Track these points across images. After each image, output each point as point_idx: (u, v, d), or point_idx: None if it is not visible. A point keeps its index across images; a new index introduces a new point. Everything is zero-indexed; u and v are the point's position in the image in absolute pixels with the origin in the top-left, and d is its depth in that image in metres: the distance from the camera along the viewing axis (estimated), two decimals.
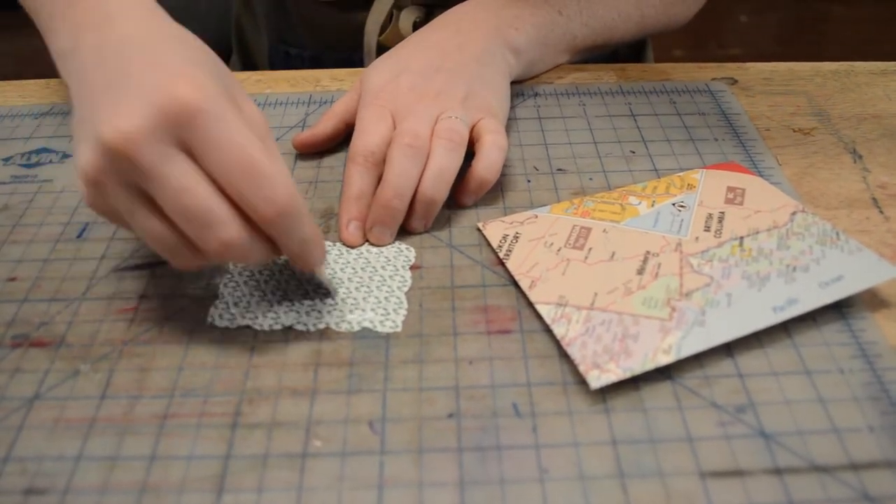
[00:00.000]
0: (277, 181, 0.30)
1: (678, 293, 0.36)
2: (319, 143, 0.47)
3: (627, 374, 0.32)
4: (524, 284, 0.37)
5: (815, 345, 0.34)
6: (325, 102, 0.52)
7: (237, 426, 0.32)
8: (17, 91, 0.55)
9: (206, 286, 0.38)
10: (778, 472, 0.30)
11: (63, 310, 0.37)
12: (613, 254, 0.38)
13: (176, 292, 0.38)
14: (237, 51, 0.74)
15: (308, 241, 0.33)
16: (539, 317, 0.36)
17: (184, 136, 0.30)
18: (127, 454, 0.31)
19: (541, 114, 0.51)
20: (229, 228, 0.31)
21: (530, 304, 0.36)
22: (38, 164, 0.48)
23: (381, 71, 0.47)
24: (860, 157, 0.47)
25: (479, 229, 0.41)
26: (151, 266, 0.40)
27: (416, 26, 0.59)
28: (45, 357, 0.35)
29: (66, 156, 0.48)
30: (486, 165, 0.42)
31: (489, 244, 0.40)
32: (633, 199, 0.42)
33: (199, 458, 0.31)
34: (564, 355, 0.34)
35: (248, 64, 0.73)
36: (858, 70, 0.55)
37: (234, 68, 0.73)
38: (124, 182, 0.30)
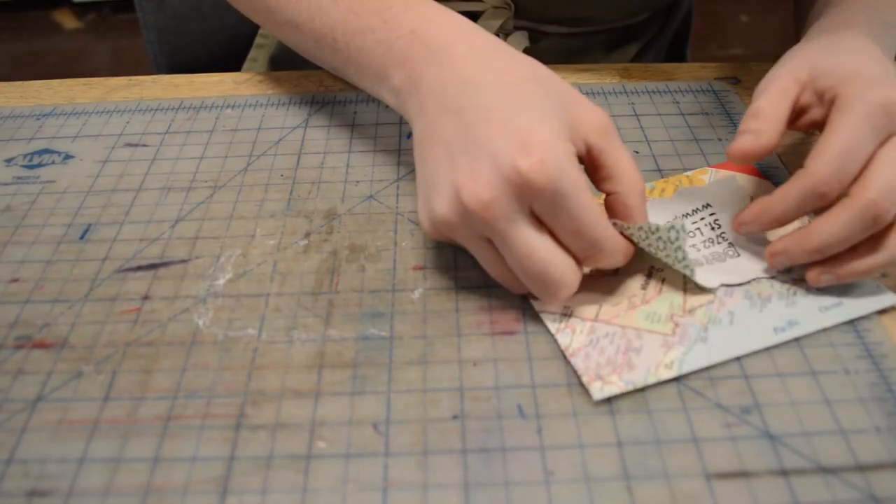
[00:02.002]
0: (613, 247, 0.34)
1: (681, 309, 0.36)
2: (761, 155, 0.38)
3: (630, 388, 0.32)
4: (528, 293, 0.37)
5: (820, 345, 0.34)
6: (328, 103, 0.52)
7: (241, 428, 0.32)
8: (19, 92, 0.55)
9: (209, 287, 0.38)
10: (784, 473, 0.30)
11: (66, 311, 0.37)
12: (618, 268, 0.38)
13: (179, 293, 0.38)
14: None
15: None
16: (543, 321, 0.36)
17: (532, 204, 0.33)
18: (130, 456, 0.31)
19: None
20: (563, 288, 0.34)
21: (533, 306, 0.36)
22: (40, 164, 0.48)
23: (853, 61, 0.38)
24: None
25: None
26: (154, 267, 0.40)
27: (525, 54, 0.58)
28: (48, 358, 0.35)
29: (68, 157, 0.48)
30: None
31: None
32: None
33: (203, 460, 0.31)
34: None
35: (289, 57, 0.67)
36: None
37: (254, 67, 0.72)
38: (474, 232, 0.34)
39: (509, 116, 0.33)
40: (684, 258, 0.35)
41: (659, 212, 0.41)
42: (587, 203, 0.33)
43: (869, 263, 0.35)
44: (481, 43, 0.37)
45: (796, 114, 0.39)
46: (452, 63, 0.36)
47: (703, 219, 0.40)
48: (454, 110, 0.35)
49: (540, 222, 0.33)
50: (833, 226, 0.34)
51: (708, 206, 0.41)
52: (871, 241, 0.35)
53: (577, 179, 0.32)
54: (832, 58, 0.39)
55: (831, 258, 0.35)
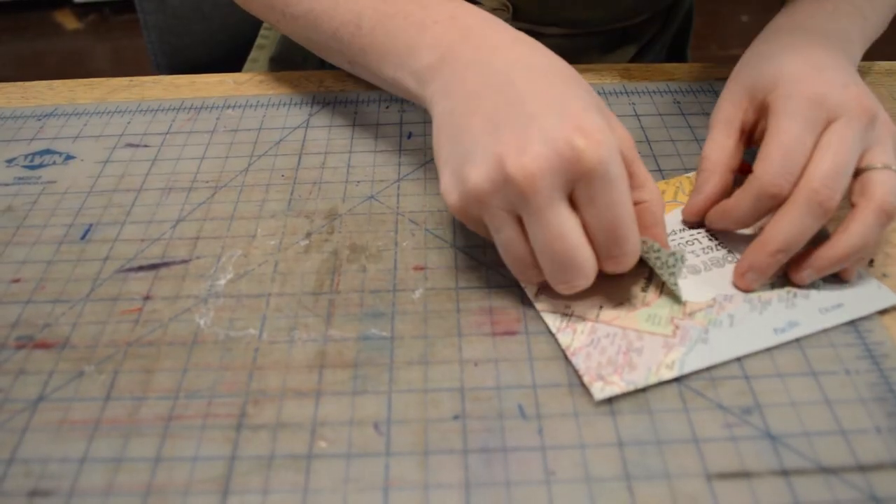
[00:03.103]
0: (633, 251, 0.34)
1: (682, 312, 0.36)
2: (721, 197, 0.40)
3: (631, 388, 0.32)
4: (530, 292, 0.37)
5: (820, 346, 0.34)
6: (329, 103, 0.52)
7: (242, 427, 0.32)
8: (20, 92, 0.55)
9: (210, 287, 0.38)
10: (784, 473, 0.30)
11: (67, 311, 0.37)
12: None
13: (180, 293, 0.38)
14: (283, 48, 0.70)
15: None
16: (544, 320, 0.36)
17: (575, 186, 0.32)
18: (132, 456, 0.31)
19: None
20: (583, 279, 0.34)
21: (534, 306, 0.36)
22: (41, 165, 0.48)
23: (791, 56, 0.40)
24: None
25: None
26: (155, 267, 0.40)
27: None
28: (49, 358, 0.35)
29: (69, 157, 0.48)
30: None
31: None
32: None
33: (204, 460, 0.31)
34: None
35: (289, 57, 0.69)
36: (863, 70, 0.55)
37: (255, 67, 0.73)
38: (507, 206, 0.33)
39: (563, 100, 0.34)
40: (675, 284, 0.36)
41: None
42: (627, 199, 0.33)
43: (841, 249, 0.35)
44: (523, 37, 0.38)
45: (748, 133, 0.41)
46: (497, 47, 0.37)
47: (699, 232, 0.40)
48: (499, 85, 0.35)
49: (574, 209, 0.33)
50: (785, 223, 0.35)
51: (702, 224, 0.41)
52: (841, 227, 0.36)
53: (623, 172, 0.33)
54: (760, 68, 0.40)
55: (805, 254, 0.36)
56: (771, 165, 0.36)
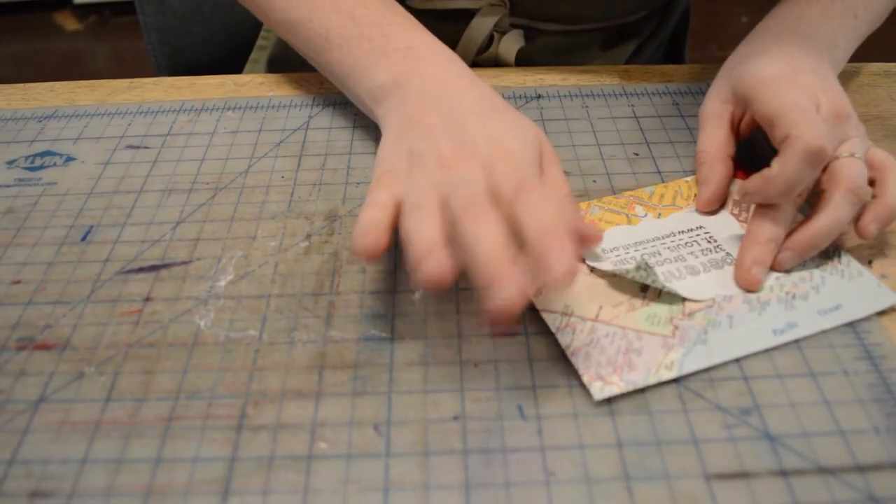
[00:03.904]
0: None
1: (681, 312, 0.36)
2: (723, 197, 0.43)
3: (630, 388, 0.32)
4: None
5: (819, 346, 0.34)
6: (329, 105, 0.52)
7: (242, 428, 0.32)
8: (20, 94, 0.55)
9: (210, 288, 0.38)
10: (783, 473, 0.30)
11: (68, 312, 0.37)
12: (616, 273, 0.38)
13: (180, 295, 0.38)
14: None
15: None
16: (544, 320, 0.36)
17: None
18: (132, 457, 0.31)
19: (544, 116, 0.51)
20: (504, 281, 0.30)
21: (535, 308, 0.36)
22: (42, 166, 0.48)
23: (770, 61, 0.42)
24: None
25: None
26: (155, 269, 0.40)
27: (520, 53, 0.60)
28: (50, 360, 0.35)
29: (69, 158, 0.48)
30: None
31: None
32: (639, 210, 0.42)
33: (205, 461, 0.31)
34: (569, 358, 0.34)
35: (287, 58, 0.69)
36: (862, 71, 0.55)
37: (255, 68, 0.73)
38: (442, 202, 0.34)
39: (491, 130, 0.37)
40: (665, 287, 0.36)
41: (655, 230, 0.41)
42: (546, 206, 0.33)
43: (815, 229, 0.37)
44: (468, 72, 0.42)
45: (737, 126, 0.44)
46: (445, 77, 0.42)
47: (698, 234, 0.40)
48: (443, 109, 0.39)
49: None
50: (767, 215, 0.38)
51: (701, 227, 0.41)
52: (813, 210, 0.38)
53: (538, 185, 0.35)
54: (743, 67, 0.43)
55: (785, 240, 0.38)
56: (807, 128, 0.37)
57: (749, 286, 0.37)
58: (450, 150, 0.36)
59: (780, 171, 0.37)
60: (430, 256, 0.31)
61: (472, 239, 0.31)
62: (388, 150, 0.39)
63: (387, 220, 0.34)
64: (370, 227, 0.33)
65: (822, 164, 0.37)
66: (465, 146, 0.36)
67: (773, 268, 0.38)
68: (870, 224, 0.38)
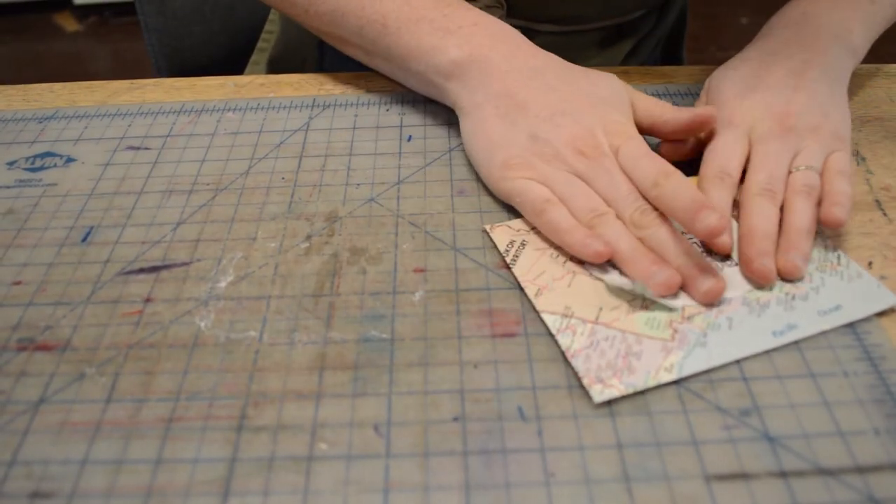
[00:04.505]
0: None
1: (680, 316, 0.36)
2: (689, 154, 0.45)
3: (630, 390, 0.32)
4: (530, 292, 0.37)
5: (819, 348, 0.34)
6: (328, 106, 0.52)
7: (242, 429, 0.32)
8: (21, 95, 0.55)
9: (210, 289, 0.38)
10: (783, 475, 0.30)
11: (68, 313, 0.37)
12: (619, 272, 0.38)
13: (181, 296, 0.38)
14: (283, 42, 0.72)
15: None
16: (544, 321, 0.36)
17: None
18: (133, 457, 0.31)
19: None
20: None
21: (535, 308, 0.37)
22: (42, 167, 0.48)
23: (732, 83, 0.46)
24: (863, 159, 0.47)
25: (485, 231, 0.41)
26: (156, 270, 0.40)
27: None
28: (50, 360, 0.35)
29: (70, 159, 0.48)
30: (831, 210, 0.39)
31: (494, 247, 0.40)
32: None
33: (205, 462, 0.31)
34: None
35: (287, 59, 0.71)
36: (861, 72, 0.55)
37: (256, 70, 0.73)
38: (571, 168, 0.40)
39: (591, 101, 0.42)
40: (659, 303, 0.36)
41: None
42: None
43: (795, 226, 0.38)
44: (534, 46, 0.45)
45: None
46: (523, 53, 0.44)
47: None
48: (539, 85, 0.43)
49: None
50: (750, 213, 0.39)
51: None
52: (783, 218, 0.39)
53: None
54: (718, 83, 0.47)
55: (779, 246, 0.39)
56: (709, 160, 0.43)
57: (761, 278, 0.37)
58: (577, 132, 0.41)
59: (673, 114, 0.43)
60: (659, 271, 0.36)
61: (663, 246, 0.37)
62: (499, 130, 0.42)
63: (570, 215, 0.39)
64: (585, 234, 0.38)
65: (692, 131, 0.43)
66: (584, 124, 0.41)
67: (789, 276, 0.37)
68: (830, 209, 0.38)
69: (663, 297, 0.36)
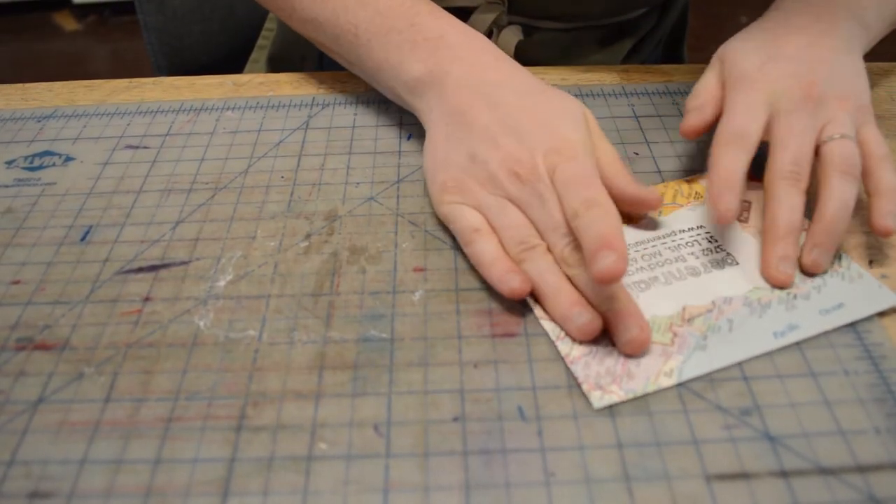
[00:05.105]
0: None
1: (680, 319, 0.36)
2: (709, 126, 0.43)
3: (630, 396, 0.32)
4: (529, 298, 0.37)
5: (819, 347, 0.34)
6: (328, 105, 0.52)
7: (242, 429, 0.32)
8: (20, 94, 0.55)
9: (210, 289, 0.38)
10: (784, 474, 0.30)
11: (67, 313, 0.37)
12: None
13: (180, 295, 0.38)
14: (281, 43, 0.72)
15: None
16: (543, 327, 0.36)
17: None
18: (132, 457, 0.31)
19: None
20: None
21: (534, 311, 0.36)
22: (41, 167, 0.48)
23: (748, 54, 0.43)
24: None
25: None
26: (155, 269, 0.40)
27: (518, 49, 0.60)
28: (49, 360, 0.35)
29: (69, 158, 0.48)
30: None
31: None
32: None
33: (204, 462, 0.31)
34: None
35: (287, 58, 0.70)
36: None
37: (256, 68, 0.73)
38: (506, 194, 0.38)
39: (542, 119, 0.39)
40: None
41: (655, 230, 0.41)
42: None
43: (827, 217, 0.37)
44: (505, 57, 0.43)
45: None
46: (483, 67, 0.42)
47: (699, 234, 0.40)
48: (489, 102, 0.40)
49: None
50: (775, 206, 0.38)
51: (702, 226, 0.41)
52: (818, 201, 0.38)
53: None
54: (728, 49, 0.45)
55: (805, 241, 0.38)
56: (728, 118, 0.41)
57: (780, 284, 0.37)
58: (515, 154, 0.38)
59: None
60: (577, 315, 0.34)
61: (590, 285, 0.35)
62: (443, 149, 0.40)
63: (501, 249, 0.37)
64: (507, 268, 0.36)
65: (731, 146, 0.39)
66: (526, 145, 0.38)
67: (810, 271, 0.37)
68: (882, 218, 0.37)
69: (581, 341, 0.34)
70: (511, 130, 0.39)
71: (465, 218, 0.38)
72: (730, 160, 0.38)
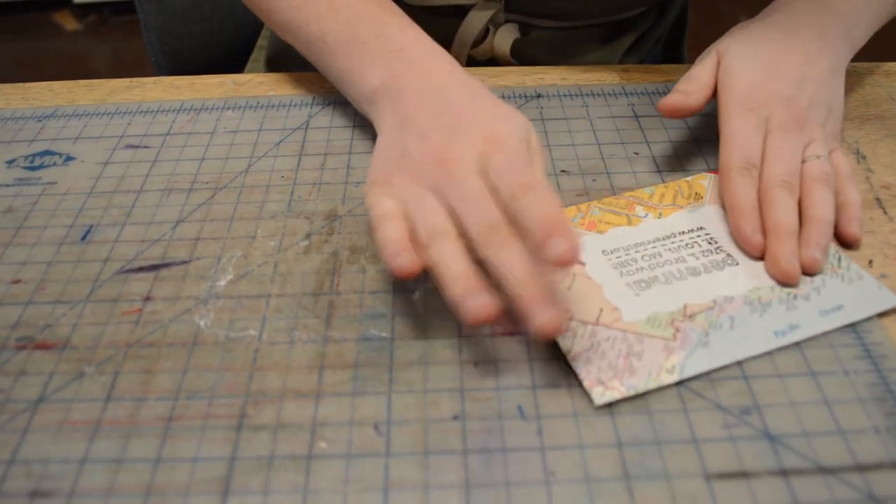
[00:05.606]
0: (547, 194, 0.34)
1: (682, 315, 0.36)
2: (688, 112, 0.45)
3: (631, 392, 0.32)
4: None
5: (819, 346, 0.34)
6: (328, 104, 0.52)
7: (242, 428, 0.32)
8: (20, 93, 0.55)
9: (210, 288, 0.38)
10: (783, 473, 0.30)
11: (67, 312, 0.37)
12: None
13: (180, 294, 0.38)
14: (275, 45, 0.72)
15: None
16: None
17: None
18: (132, 456, 0.31)
19: (544, 115, 0.51)
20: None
21: None
22: (41, 166, 0.48)
23: (751, 66, 0.45)
24: (864, 157, 0.47)
25: None
26: (155, 268, 0.40)
27: (514, 46, 0.60)
28: (49, 359, 0.35)
29: (69, 158, 0.48)
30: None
31: None
32: (639, 210, 0.42)
33: (205, 461, 0.31)
34: None
35: (286, 58, 0.70)
36: (862, 70, 0.55)
37: (256, 68, 0.73)
38: (430, 185, 0.37)
39: (481, 119, 0.39)
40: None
41: (655, 231, 0.41)
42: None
43: (816, 220, 0.39)
44: (459, 70, 0.43)
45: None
46: (435, 74, 0.43)
47: (699, 236, 0.40)
48: (433, 104, 0.40)
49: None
50: (772, 208, 0.39)
51: (702, 227, 0.41)
52: (803, 209, 0.40)
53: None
54: (727, 59, 0.46)
55: (802, 240, 0.39)
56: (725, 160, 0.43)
57: (788, 278, 0.37)
58: (443, 145, 0.37)
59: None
60: (470, 297, 0.32)
61: (502, 269, 0.33)
62: (383, 152, 0.40)
63: (405, 233, 0.35)
64: (399, 248, 0.34)
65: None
66: (457, 138, 0.38)
67: (809, 270, 0.38)
68: (848, 225, 0.40)
69: (472, 326, 0.33)
70: (446, 127, 0.39)
71: (380, 206, 0.37)
72: (746, 192, 0.40)
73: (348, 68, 0.46)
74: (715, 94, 0.45)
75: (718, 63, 0.46)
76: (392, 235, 0.35)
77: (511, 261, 0.33)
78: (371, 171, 0.39)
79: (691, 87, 0.45)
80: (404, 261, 0.34)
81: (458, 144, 0.37)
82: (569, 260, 0.31)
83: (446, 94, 0.41)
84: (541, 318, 0.31)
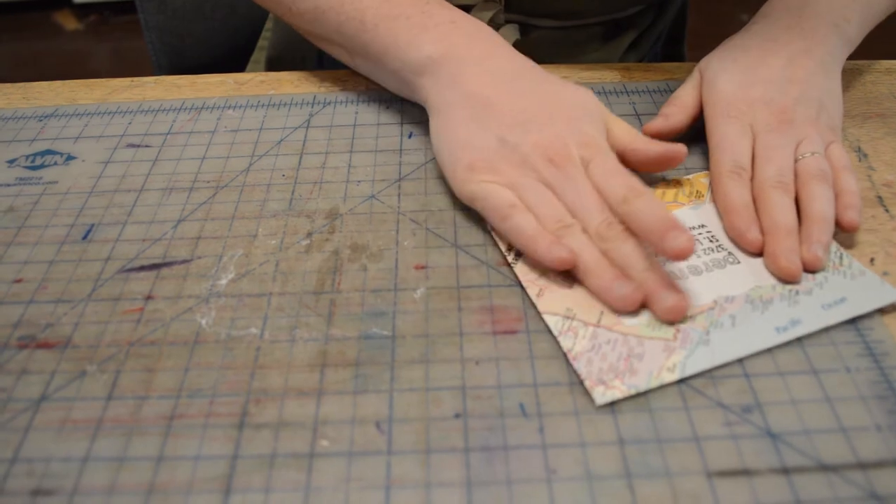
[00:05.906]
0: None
1: None
2: (670, 134, 0.46)
3: (632, 392, 0.32)
4: (532, 292, 0.37)
5: (821, 344, 0.34)
6: (329, 103, 0.52)
7: (244, 426, 0.32)
8: (21, 93, 0.55)
9: (211, 287, 0.38)
10: (785, 471, 0.30)
11: (69, 311, 0.37)
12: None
13: (182, 293, 0.38)
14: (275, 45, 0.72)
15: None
16: (545, 322, 0.36)
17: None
18: (134, 455, 0.31)
19: None
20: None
21: (536, 308, 0.36)
22: (42, 165, 0.48)
23: (730, 76, 0.45)
24: (865, 155, 0.47)
25: (490, 231, 0.41)
26: (157, 267, 0.40)
27: (515, 47, 0.60)
28: (51, 358, 0.35)
29: (70, 157, 0.48)
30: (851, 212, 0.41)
31: (496, 243, 0.40)
32: None
33: (207, 459, 0.31)
34: None
35: (287, 57, 0.71)
36: (863, 68, 0.55)
37: (257, 68, 0.73)
38: (529, 172, 0.40)
39: (561, 107, 0.41)
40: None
41: None
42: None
43: (815, 216, 0.39)
44: (510, 48, 0.45)
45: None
46: (498, 56, 0.44)
47: (700, 233, 0.40)
48: (509, 89, 0.42)
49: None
50: (769, 207, 0.39)
51: (703, 226, 0.41)
52: (801, 206, 0.40)
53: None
54: (711, 77, 0.46)
55: (802, 238, 0.39)
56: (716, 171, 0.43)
57: (790, 274, 0.37)
58: (548, 140, 0.40)
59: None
60: (618, 287, 0.35)
61: (626, 261, 0.36)
62: (465, 131, 0.41)
63: (537, 221, 0.38)
64: (550, 239, 0.37)
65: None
66: (555, 134, 0.40)
67: (811, 267, 0.37)
68: (844, 212, 0.39)
69: (621, 312, 0.36)
70: (537, 119, 0.41)
71: (499, 195, 0.39)
72: (738, 193, 0.40)
73: (393, 42, 0.45)
74: (702, 111, 0.46)
75: (701, 81, 0.47)
76: (535, 226, 0.38)
77: (631, 254, 0.36)
78: (458, 153, 0.41)
79: (672, 109, 0.46)
80: (563, 251, 0.36)
81: (561, 141, 0.40)
82: (689, 250, 0.34)
83: (519, 78, 0.43)
84: (668, 302, 0.35)
